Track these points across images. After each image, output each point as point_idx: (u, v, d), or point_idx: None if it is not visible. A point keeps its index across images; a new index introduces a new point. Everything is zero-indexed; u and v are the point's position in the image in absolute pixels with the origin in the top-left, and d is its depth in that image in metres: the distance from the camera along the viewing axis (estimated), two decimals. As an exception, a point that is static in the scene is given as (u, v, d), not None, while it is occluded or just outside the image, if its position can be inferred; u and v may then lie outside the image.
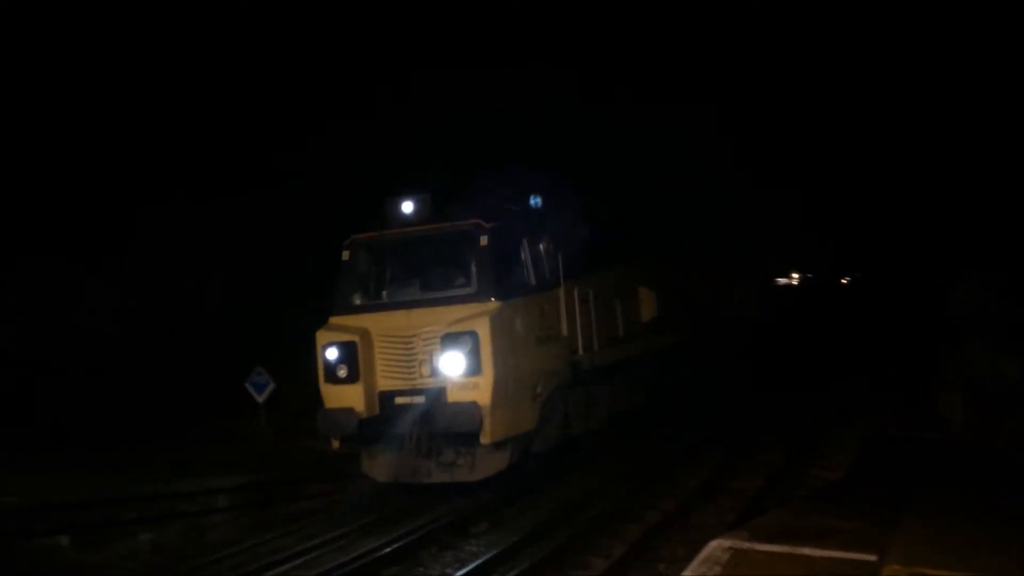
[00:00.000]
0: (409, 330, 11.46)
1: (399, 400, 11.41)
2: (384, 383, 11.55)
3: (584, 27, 26.36)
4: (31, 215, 20.25)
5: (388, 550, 9.59)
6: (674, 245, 19.42)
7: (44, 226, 20.42)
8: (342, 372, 11.45)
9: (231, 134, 22.47)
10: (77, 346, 20.98)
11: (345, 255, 12.35)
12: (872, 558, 6.95)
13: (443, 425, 10.87)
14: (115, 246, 21.30)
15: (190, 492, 13.25)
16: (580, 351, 13.06)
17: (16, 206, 19.99)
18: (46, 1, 20.70)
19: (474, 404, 10.76)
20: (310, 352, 11.95)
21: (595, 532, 10.04)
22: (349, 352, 11.44)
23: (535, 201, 13.37)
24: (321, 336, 11.78)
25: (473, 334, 10.91)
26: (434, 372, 11.19)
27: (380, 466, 11.63)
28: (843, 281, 53.77)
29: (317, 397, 11.88)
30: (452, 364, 10.95)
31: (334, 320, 12.03)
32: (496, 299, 11.34)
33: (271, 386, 17.90)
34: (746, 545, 7.53)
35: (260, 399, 17.97)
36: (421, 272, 12.32)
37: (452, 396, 10.98)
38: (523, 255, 12.31)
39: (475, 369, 10.88)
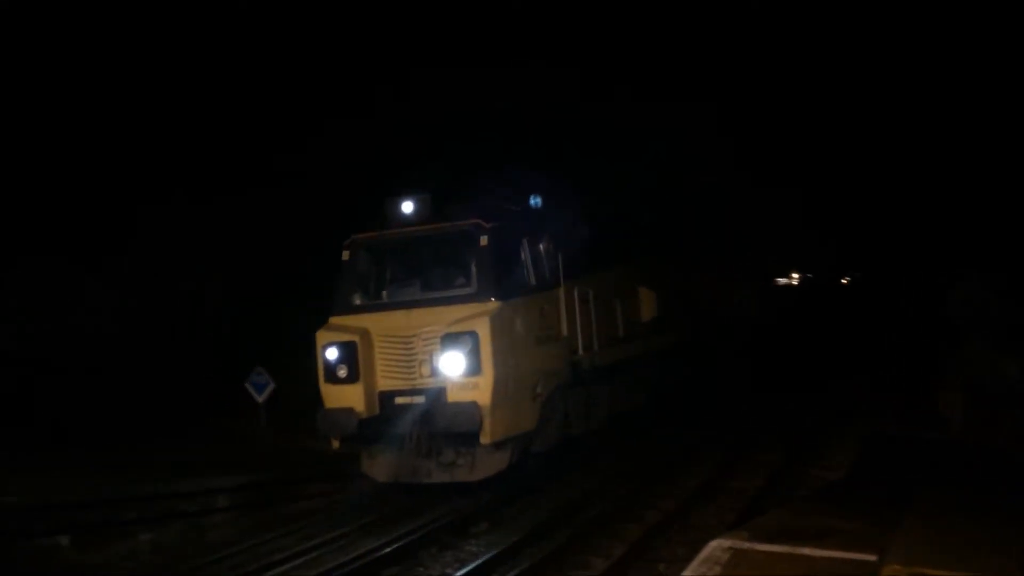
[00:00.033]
0: (409, 330, 11.46)
1: (399, 400, 11.41)
2: (384, 383, 11.55)
3: (584, 27, 26.40)
4: (31, 215, 20.24)
5: (388, 550, 9.58)
6: (674, 245, 19.42)
7: (44, 226, 20.41)
8: (342, 372, 11.45)
9: (231, 134, 22.46)
10: (77, 346, 20.97)
11: (345, 255, 12.35)
12: (872, 558, 6.95)
13: (443, 425, 10.87)
14: (115, 246, 21.29)
15: (190, 492, 13.25)
16: (580, 351, 13.06)
17: (16, 206, 19.98)
18: (46, 1, 20.71)
19: (474, 404, 10.76)
20: (310, 352, 11.95)
21: (595, 532, 10.04)
22: (349, 352, 11.44)
23: (535, 201, 13.37)
24: (321, 336, 11.78)
25: (473, 334, 10.91)
26: (434, 372, 11.18)
27: (380, 466, 11.63)
28: (843, 281, 53.79)
29: (317, 397, 11.88)
30: (452, 364, 10.95)
31: (334, 320, 12.03)
32: (496, 299, 11.34)
33: (271, 386, 17.91)
34: (746, 545, 7.53)
35: (260, 399, 17.97)
36: (421, 272, 12.32)
37: (452, 396, 10.98)
38: (523, 255, 12.31)
39: (475, 369, 10.88)
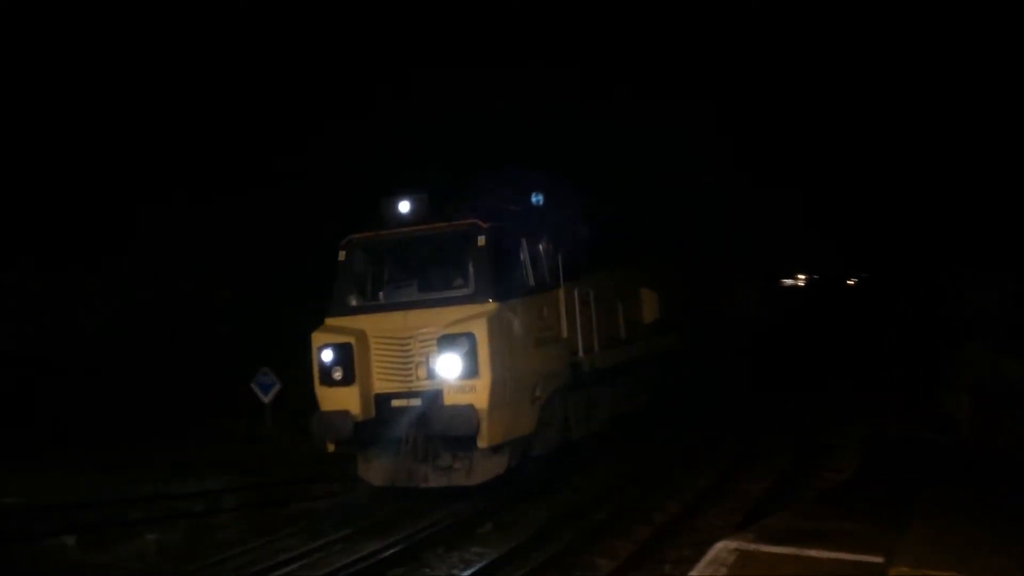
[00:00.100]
0: (406, 331, 11.39)
1: (395, 403, 11.32)
2: (380, 385, 11.47)
3: (584, 27, 26.37)
4: (31, 215, 20.23)
5: (393, 551, 9.57)
6: (675, 245, 19.36)
7: (44, 226, 20.39)
8: (337, 374, 11.36)
9: (231, 134, 22.44)
10: (77, 346, 20.95)
11: (341, 255, 12.26)
12: (879, 560, 6.96)
13: (440, 428, 10.78)
14: (115, 246, 21.26)
15: (193, 493, 13.23)
16: (580, 353, 12.98)
17: (16, 206, 19.96)
18: (46, 1, 20.69)
19: (471, 407, 10.66)
20: (309, 353, 11.91)
21: (600, 534, 10.02)
22: (345, 354, 11.36)
23: (536, 199, 13.31)
24: (316, 337, 11.69)
25: (470, 336, 10.81)
26: (431, 374, 11.09)
27: (376, 470, 11.55)
28: (849, 282, 53.82)
29: (315, 398, 11.84)
30: (449, 366, 10.86)
31: (330, 321, 11.95)
32: (494, 300, 11.25)
33: (277, 386, 17.93)
34: (752, 547, 7.52)
35: (266, 399, 18.00)
36: (418, 273, 12.25)
37: (449, 399, 10.89)
38: (522, 255, 12.24)
39: (472, 371, 10.79)
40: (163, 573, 10.12)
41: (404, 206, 11.96)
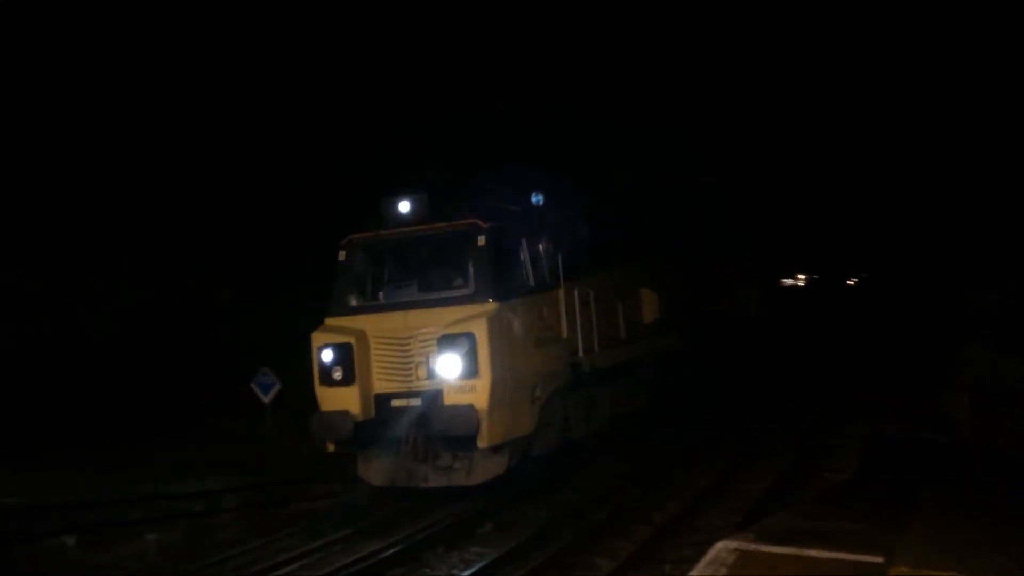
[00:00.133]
0: (406, 331, 11.38)
1: (395, 403, 11.31)
2: (380, 385, 11.46)
3: (584, 27, 26.37)
4: (31, 215, 20.23)
5: (393, 551, 9.57)
6: (675, 245, 19.36)
7: (44, 226, 20.39)
8: (337, 374, 11.35)
9: (231, 134, 22.44)
10: (77, 346, 20.95)
11: (341, 255, 12.25)
12: (879, 560, 6.97)
13: (440, 428, 10.77)
14: (115, 246, 21.26)
15: (193, 493, 13.23)
16: (580, 353, 12.97)
17: (16, 206, 19.96)
18: (46, 1, 20.69)
19: (471, 407, 10.65)
20: (309, 352, 11.90)
21: (600, 534, 10.02)
22: (345, 354, 11.35)
23: (536, 199, 13.30)
24: (316, 337, 11.68)
25: (470, 336, 10.80)
26: (431, 374, 11.08)
27: (376, 470, 11.54)
28: (849, 283, 53.87)
29: (315, 398, 11.83)
30: (449, 366, 10.85)
31: (330, 321, 11.94)
32: (494, 300, 11.24)
33: (277, 386, 17.94)
34: (752, 547, 7.51)
35: (266, 399, 18.00)
36: (418, 273, 12.24)
37: (449, 399, 10.88)
38: (522, 255, 12.23)
39: (472, 371, 10.78)
40: (163, 573, 10.12)
41: (404, 206, 11.94)
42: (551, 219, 13.12)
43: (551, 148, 23.81)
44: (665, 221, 19.71)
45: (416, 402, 11.15)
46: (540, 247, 12.56)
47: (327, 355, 11.44)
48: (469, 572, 8.86)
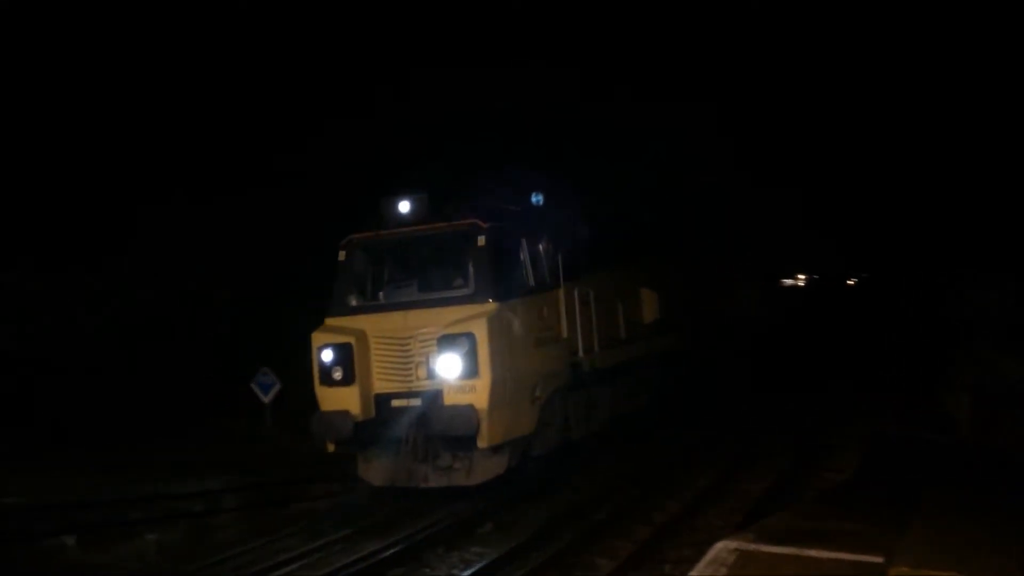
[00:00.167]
0: (406, 331, 11.37)
1: (395, 403, 11.31)
2: (380, 385, 11.46)
3: (584, 27, 26.37)
4: (31, 215, 20.23)
5: (393, 551, 9.57)
6: (675, 245, 19.36)
7: (44, 226, 20.40)
8: (337, 374, 11.35)
9: (231, 134, 22.43)
10: (77, 346, 20.95)
11: (341, 255, 12.25)
12: (879, 560, 6.97)
13: (440, 428, 10.76)
14: (115, 246, 21.27)
15: (193, 493, 13.23)
16: (580, 353, 12.96)
17: (16, 206, 19.97)
18: (46, 1, 20.69)
19: (471, 407, 10.64)
20: (309, 352, 11.90)
21: (600, 534, 10.02)
22: (344, 354, 11.34)
23: (536, 199, 13.30)
24: (316, 337, 11.67)
25: (470, 336, 10.80)
26: (431, 374, 11.08)
27: (376, 470, 11.53)
28: (849, 283, 53.92)
29: (315, 398, 11.83)
30: (449, 366, 10.84)
31: (330, 321, 11.94)
32: (494, 300, 11.23)
33: (277, 386, 17.94)
34: (752, 546, 7.51)
35: (266, 399, 18.01)
36: (418, 273, 12.24)
37: (449, 399, 10.87)
38: (522, 255, 12.22)
39: (472, 371, 10.77)
40: (163, 573, 10.12)
41: (404, 206, 11.93)
42: (551, 219, 13.12)
43: (551, 148, 23.81)
44: (665, 221, 19.71)
45: (416, 402, 11.14)
46: (540, 247, 12.55)
47: (327, 355, 11.44)
48: (469, 572, 8.86)
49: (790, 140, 33.54)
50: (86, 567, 10.42)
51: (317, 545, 10.15)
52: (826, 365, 25.13)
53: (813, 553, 7.29)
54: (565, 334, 12.69)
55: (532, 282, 12.23)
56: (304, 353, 11.97)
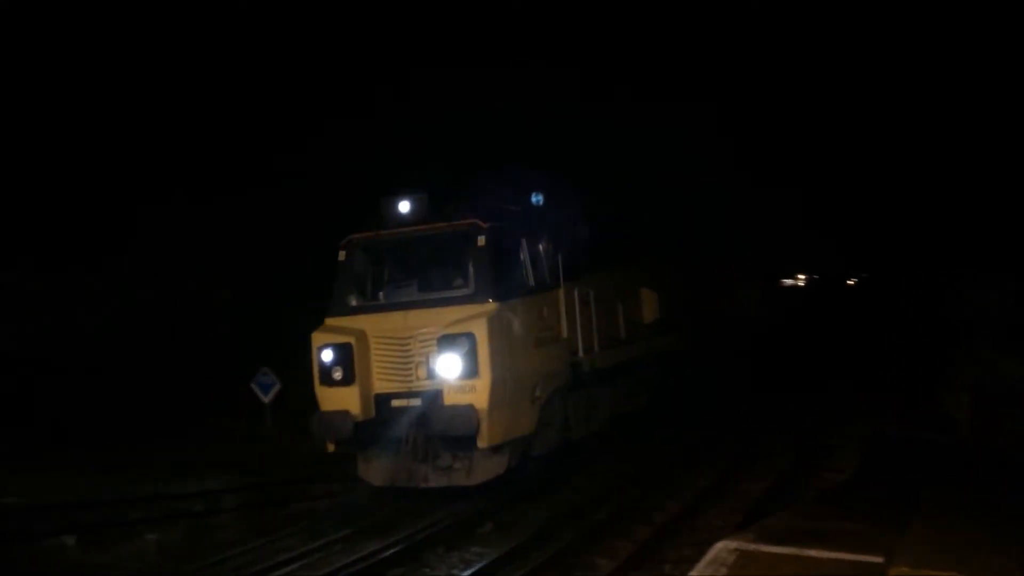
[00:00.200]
0: (406, 331, 11.37)
1: (395, 403, 11.30)
2: (380, 385, 11.45)
3: (584, 27, 26.37)
4: (31, 215, 20.23)
5: (394, 551, 9.58)
6: (675, 245, 19.36)
7: (44, 226, 20.40)
8: (337, 374, 11.34)
9: (231, 134, 22.43)
10: (77, 346, 20.95)
11: (341, 255, 12.24)
12: (879, 560, 6.96)
13: (439, 428, 10.75)
14: (115, 246, 21.27)
15: (193, 493, 13.23)
16: (580, 353, 12.95)
17: (16, 206, 19.97)
18: (46, 1, 20.69)
19: (471, 407, 10.63)
20: (309, 352, 11.89)
21: (600, 534, 10.02)
22: (344, 354, 11.34)
23: (536, 198, 13.30)
24: (316, 337, 11.66)
25: (470, 336, 10.79)
26: (431, 374, 11.07)
27: (376, 470, 11.53)
28: (849, 283, 53.96)
29: (315, 398, 11.82)
30: (449, 366, 10.83)
31: (330, 321, 11.93)
32: (494, 300, 11.23)
33: (277, 386, 17.94)
34: (752, 547, 7.51)
35: (266, 399, 18.01)
36: (418, 273, 12.23)
37: (449, 399, 10.86)
38: (522, 255, 12.21)
39: (472, 371, 10.76)
40: (163, 573, 10.12)
41: (404, 206, 11.93)
42: (551, 219, 13.11)
43: (551, 148, 23.81)
44: (665, 221, 19.71)
45: (416, 402, 11.14)
46: (540, 247, 12.54)
47: (327, 355, 11.43)
48: (469, 572, 8.86)
49: (790, 140, 33.56)
50: (86, 567, 10.42)
51: (317, 545, 10.16)
52: (826, 365, 25.13)
53: (813, 553, 7.29)
54: (565, 334, 12.68)
55: (532, 282, 12.22)
56: (304, 353, 11.97)
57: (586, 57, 25.51)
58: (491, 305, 11.16)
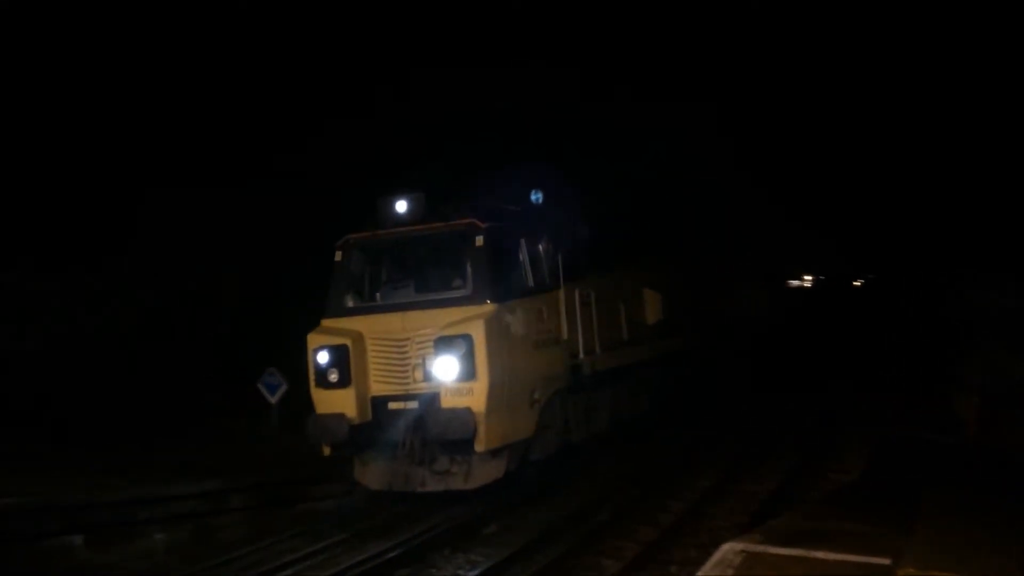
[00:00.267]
0: (403, 333, 11.30)
1: (392, 406, 11.24)
2: (377, 388, 11.39)
3: (584, 27, 26.31)
4: (31, 215, 20.22)
5: (399, 552, 9.59)
6: (676, 245, 19.30)
7: (44, 226, 20.39)
8: (333, 376, 11.27)
9: (231, 134, 22.41)
10: (77, 346, 20.93)
11: (338, 256, 12.19)
12: (886, 561, 6.93)
13: (437, 432, 10.66)
14: (115, 246, 21.25)
15: (197, 493, 13.15)
16: (581, 355, 12.85)
17: (16, 206, 19.95)
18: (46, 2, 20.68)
19: (468, 410, 10.54)
20: (306, 354, 11.84)
21: (604, 536, 10.01)
22: (340, 356, 11.27)
23: (536, 197, 13.24)
24: (312, 339, 11.60)
25: (467, 337, 10.70)
26: (428, 377, 11.00)
27: (373, 474, 11.46)
28: (855, 283, 53.99)
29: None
30: (446, 369, 10.75)
31: (326, 323, 11.87)
32: (492, 301, 11.14)
33: (283, 387, 17.91)
34: (759, 548, 7.48)
35: (273, 400, 17.98)
36: (416, 273, 12.17)
37: (446, 402, 10.77)
38: (521, 256, 12.14)
39: (469, 374, 10.68)
40: (169, 573, 10.11)
41: (401, 206, 11.86)
42: (551, 219, 13.05)
43: (551, 148, 23.73)
44: (665, 221, 19.66)
45: (413, 405, 11.06)
46: (540, 247, 12.47)
47: (323, 357, 11.36)
48: (475, 573, 8.87)
49: (791, 140, 33.53)
50: (93, 567, 10.42)
51: (324, 545, 10.22)
52: (826, 365, 25.11)
53: (820, 555, 7.26)
54: (565, 336, 12.60)
55: (531, 283, 12.14)
56: (303, 354, 11.93)
57: (586, 57, 25.48)
58: (489, 306, 11.07)
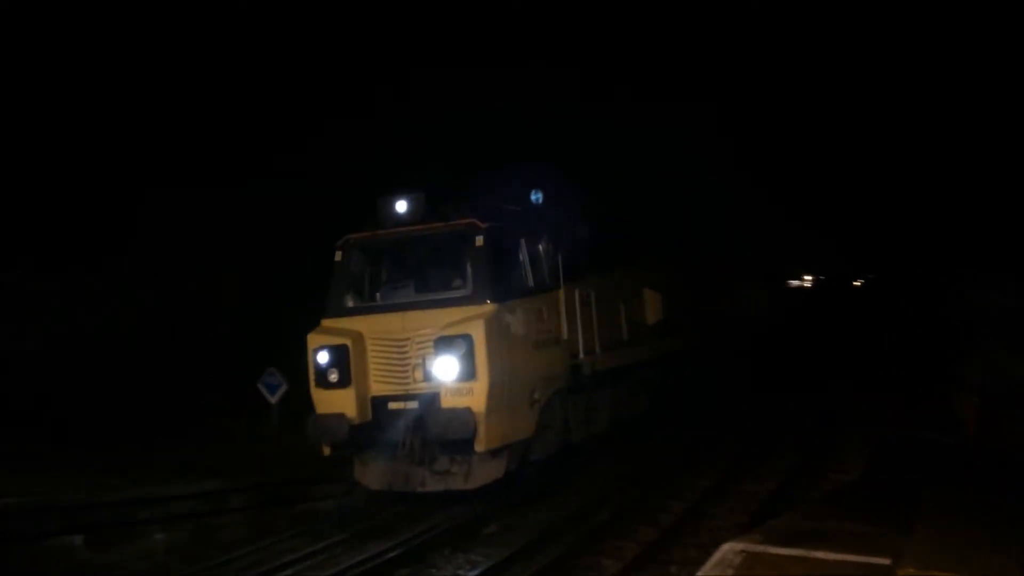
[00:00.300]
0: (403, 333, 11.31)
1: (392, 406, 11.24)
2: (377, 388, 11.39)
3: (584, 27, 26.32)
4: (31, 215, 20.22)
5: (400, 552, 9.59)
6: (676, 245, 19.30)
7: (44, 226, 20.39)
8: (333, 376, 11.27)
9: (231, 134, 22.41)
10: (77, 346, 20.93)
11: (338, 256, 12.19)
12: (886, 561, 6.93)
13: (436, 432, 10.67)
14: (115, 246, 21.26)
15: (197, 493, 13.16)
16: (581, 355, 12.85)
17: (16, 206, 19.96)
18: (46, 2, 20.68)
19: (468, 410, 10.54)
20: (305, 354, 11.84)
21: (604, 536, 10.01)
22: (340, 356, 11.27)
23: (536, 196, 13.24)
24: (312, 339, 11.61)
25: (467, 337, 10.71)
26: (428, 377, 11.00)
27: (373, 473, 11.46)
28: (855, 283, 54.02)
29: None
30: (446, 369, 10.76)
31: (326, 323, 11.87)
32: (492, 301, 11.14)
33: (284, 387, 17.91)
34: (759, 548, 7.48)
35: (273, 400, 17.98)
36: (416, 273, 12.17)
37: (446, 402, 10.77)
38: (521, 256, 12.14)
39: (469, 374, 10.68)
40: (169, 573, 10.11)
41: (401, 206, 11.86)
42: (551, 219, 13.05)
43: (551, 148, 23.74)
44: (665, 221, 19.66)
45: (413, 405, 11.06)
46: (540, 247, 12.47)
47: (323, 357, 11.36)
48: (475, 573, 8.87)
49: (791, 140, 33.55)
50: (93, 567, 10.42)
51: (324, 545, 10.22)
52: (826, 365, 25.12)
53: (820, 555, 7.26)
54: (565, 335, 12.60)
55: (531, 283, 12.14)
56: (303, 354, 11.92)
57: (586, 57, 25.49)
58: (489, 306, 11.07)
